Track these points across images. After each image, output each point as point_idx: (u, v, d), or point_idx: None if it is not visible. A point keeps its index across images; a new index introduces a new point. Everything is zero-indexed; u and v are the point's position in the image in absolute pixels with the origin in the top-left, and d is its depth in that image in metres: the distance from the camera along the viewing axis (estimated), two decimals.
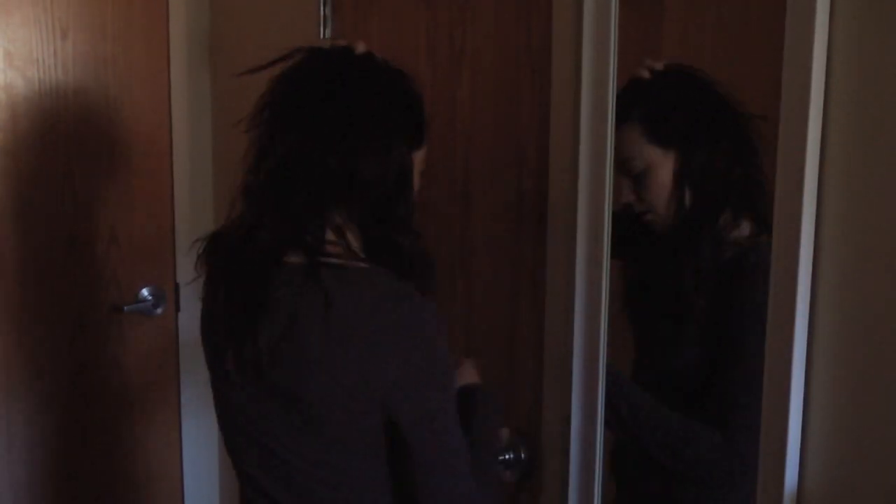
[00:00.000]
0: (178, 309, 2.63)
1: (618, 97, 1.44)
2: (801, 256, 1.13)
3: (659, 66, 1.46)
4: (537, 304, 1.66)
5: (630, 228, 1.49)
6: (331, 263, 1.27)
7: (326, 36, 2.08)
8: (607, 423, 1.50)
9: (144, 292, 2.57)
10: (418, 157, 1.37)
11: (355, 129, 1.29)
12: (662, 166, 1.43)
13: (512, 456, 1.65)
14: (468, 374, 1.49)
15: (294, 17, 2.22)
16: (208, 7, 2.55)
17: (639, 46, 1.50)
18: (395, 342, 1.24)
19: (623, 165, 1.45)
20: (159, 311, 2.59)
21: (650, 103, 1.45)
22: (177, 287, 2.62)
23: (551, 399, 1.63)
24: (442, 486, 1.28)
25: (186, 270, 2.61)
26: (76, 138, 2.42)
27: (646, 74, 1.46)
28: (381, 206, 1.30)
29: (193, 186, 2.59)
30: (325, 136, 1.28)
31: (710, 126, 1.44)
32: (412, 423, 1.26)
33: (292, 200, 1.29)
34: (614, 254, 1.49)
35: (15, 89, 2.33)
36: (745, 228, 1.42)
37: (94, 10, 2.40)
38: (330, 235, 1.30)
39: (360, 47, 1.39)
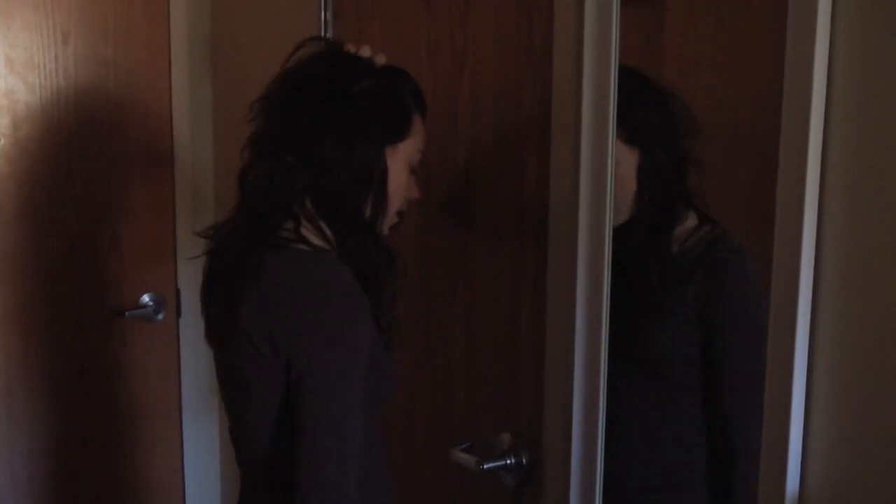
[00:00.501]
0: (179, 314, 2.62)
1: None
2: (803, 258, 1.13)
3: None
4: (538, 306, 1.65)
5: None
6: (273, 244, 1.35)
7: (329, 36, 2.08)
8: None
9: (145, 298, 2.57)
10: (403, 148, 1.42)
11: (317, 125, 1.36)
12: (626, 161, 1.47)
13: (513, 460, 1.64)
14: None
15: (295, 20, 2.22)
16: (209, 11, 2.55)
17: (640, 48, 1.50)
18: (294, 301, 1.31)
19: None
20: (160, 316, 2.59)
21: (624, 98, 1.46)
22: (178, 293, 2.61)
23: (552, 402, 1.62)
24: (306, 443, 1.28)
25: (187, 276, 2.61)
26: (77, 143, 2.42)
27: None
28: (340, 202, 1.38)
29: (195, 191, 2.59)
30: (290, 131, 1.38)
31: (666, 123, 1.47)
32: (297, 377, 1.29)
33: (260, 191, 1.40)
34: None
35: (16, 94, 2.33)
36: (692, 220, 1.47)
37: (94, 14, 2.41)
38: (288, 224, 1.38)
39: (364, 51, 1.46)
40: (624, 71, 1.44)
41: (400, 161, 1.42)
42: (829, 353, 1.14)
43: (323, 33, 2.08)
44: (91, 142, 2.44)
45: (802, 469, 1.18)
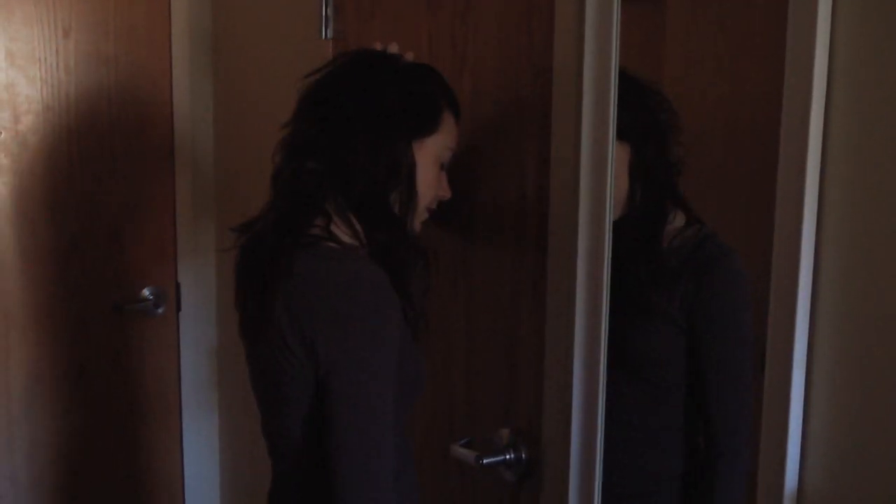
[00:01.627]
0: (179, 309, 2.63)
1: None
2: (803, 255, 1.13)
3: None
4: (538, 303, 1.66)
5: None
6: (304, 243, 1.37)
7: (328, 36, 2.08)
8: None
9: (146, 292, 2.57)
10: (432, 143, 1.45)
11: (348, 123, 1.38)
12: (618, 158, 1.47)
13: (513, 456, 1.65)
14: None
15: (296, 17, 2.22)
16: (210, 7, 2.55)
17: (641, 46, 1.50)
18: (324, 297, 1.32)
19: None
20: (160, 311, 2.59)
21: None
22: (178, 287, 2.62)
23: (552, 399, 1.63)
24: (338, 440, 1.29)
25: (188, 271, 2.62)
26: (78, 137, 2.42)
27: None
28: (370, 197, 1.39)
29: (195, 186, 2.59)
30: (322, 131, 1.40)
31: (655, 121, 1.49)
32: (327, 372, 1.30)
33: (291, 190, 1.41)
34: None
35: (17, 88, 2.33)
36: (679, 218, 1.48)
37: (96, 8, 2.41)
38: (320, 221, 1.39)
39: (392, 48, 1.51)
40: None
41: (428, 156, 1.44)
42: (828, 350, 1.15)
43: (324, 30, 2.08)
44: (91, 136, 2.44)
45: (801, 466, 1.18)
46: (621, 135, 1.46)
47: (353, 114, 1.39)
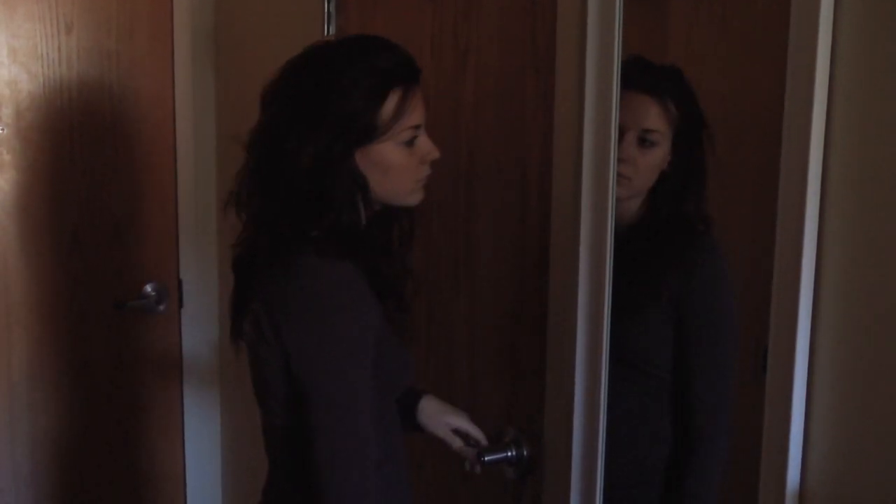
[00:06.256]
0: (181, 305, 2.63)
1: (647, 69, 1.48)
2: (805, 254, 1.13)
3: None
4: (539, 300, 1.66)
5: None
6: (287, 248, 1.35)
7: (330, 32, 2.08)
8: None
9: (147, 288, 2.57)
10: (381, 148, 1.35)
11: (279, 122, 1.36)
12: (663, 146, 1.49)
13: (514, 453, 1.65)
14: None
15: (298, 12, 2.22)
16: (212, 2, 2.55)
17: (644, 44, 1.50)
18: (291, 294, 1.32)
19: (632, 134, 1.48)
20: (162, 307, 2.59)
21: (683, 88, 1.47)
22: (180, 283, 2.62)
23: (554, 397, 1.63)
24: (312, 441, 1.31)
25: (190, 266, 2.62)
26: (80, 133, 2.42)
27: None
28: (327, 218, 1.35)
29: (197, 181, 2.59)
30: (262, 131, 1.39)
31: (699, 121, 1.48)
32: (296, 370, 1.32)
33: (264, 226, 1.39)
34: None
35: (19, 84, 2.33)
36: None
37: (98, 4, 2.41)
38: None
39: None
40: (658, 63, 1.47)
41: (382, 156, 1.35)
42: (830, 350, 1.15)
43: (326, 26, 2.08)
44: (93, 132, 2.44)
45: (803, 465, 1.19)
46: (660, 129, 1.48)
47: (285, 133, 1.34)
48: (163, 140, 2.54)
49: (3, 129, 2.32)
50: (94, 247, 2.48)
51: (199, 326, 2.64)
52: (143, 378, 2.62)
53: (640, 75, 1.47)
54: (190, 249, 2.61)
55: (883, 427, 1.11)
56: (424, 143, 1.38)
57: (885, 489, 1.11)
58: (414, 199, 1.42)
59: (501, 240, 1.77)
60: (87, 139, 2.43)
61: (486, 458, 1.62)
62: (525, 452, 1.65)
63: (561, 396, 1.59)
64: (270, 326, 1.33)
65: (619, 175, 1.47)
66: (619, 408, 1.54)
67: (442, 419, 1.62)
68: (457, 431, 1.62)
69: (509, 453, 1.65)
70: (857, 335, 1.12)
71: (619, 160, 1.47)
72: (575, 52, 1.49)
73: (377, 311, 1.37)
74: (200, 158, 2.59)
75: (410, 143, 1.36)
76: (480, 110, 1.78)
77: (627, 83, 1.46)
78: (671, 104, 1.48)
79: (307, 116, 1.33)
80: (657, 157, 1.49)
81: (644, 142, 1.48)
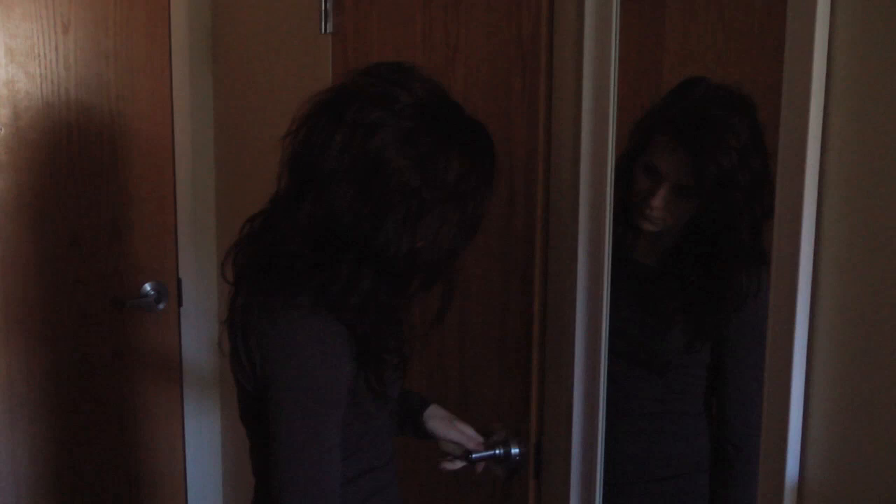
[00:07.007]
0: (180, 304, 2.63)
1: (704, 119, 1.41)
2: (802, 249, 1.13)
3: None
4: (528, 300, 1.65)
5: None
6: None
7: (328, 31, 2.08)
8: None
9: (147, 287, 2.57)
10: None
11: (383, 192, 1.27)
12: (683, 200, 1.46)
13: (501, 451, 1.65)
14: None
15: (295, 11, 2.22)
16: (210, 1, 2.55)
17: (641, 40, 1.50)
18: (273, 328, 1.30)
19: (668, 185, 1.45)
20: (161, 306, 2.59)
21: (743, 138, 1.40)
22: (179, 282, 2.62)
23: (553, 396, 1.63)
24: (269, 468, 1.30)
25: (189, 265, 2.62)
26: (77, 133, 2.42)
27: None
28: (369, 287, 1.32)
29: (195, 180, 2.59)
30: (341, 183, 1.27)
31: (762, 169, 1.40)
32: (265, 387, 1.31)
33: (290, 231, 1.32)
34: None
35: (17, 84, 2.33)
36: None
37: (95, 4, 2.41)
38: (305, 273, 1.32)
39: None
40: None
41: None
42: (828, 345, 1.15)
43: (323, 24, 2.08)
44: (92, 131, 2.44)
45: (802, 458, 1.19)
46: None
47: (400, 185, 1.23)
48: (161, 139, 2.54)
49: (0, 130, 2.32)
50: (92, 246, 2.48)
51: (199, 325, 2.65)
52: (143, 377, 2.62)
53: (689, 125, 1.41)
54: (189, 248, 2.61)
55: (881, 422, 1.11)
56: None
57: (883, 484, 1.11)
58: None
59: (489, 237, 1.77)
60: (86, 138, 2.43)
61: (473, 456, 1.62)
62: (513, 450, 1.65)
63: (561, 396, 1.60)
64: (247, 347, 1.33)
65: (651, 217, 1.45)
66: (645, 409, 1.56)
67: (452, 425, 1.61)
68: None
69: (497, 451, 1.64)
70: (855, 330, 1.13)
71: (651, 207, 1.44)
72: (572, 48, 1.49)
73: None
74: (198, 157, 2.59)
75: None
76: (469, 106, 1.78)
77: (669, 129, 1.42)
78: (721, 160, 1.38)
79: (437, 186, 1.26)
80: (694, 205, 1.44)
81: (682, 189, 1.44)
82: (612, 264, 1.47)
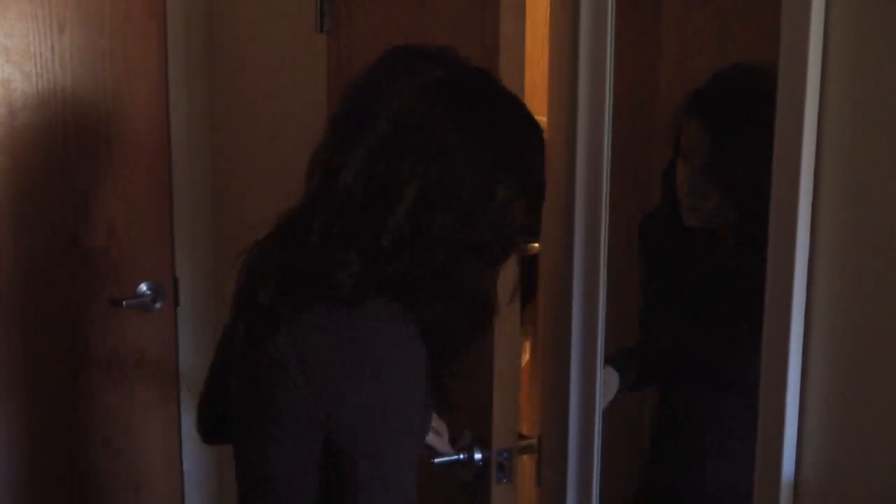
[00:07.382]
0: (177, 303, 2.63)
1: (723, 97, 1.41)
2: (798, 246, 1.14)
3: None
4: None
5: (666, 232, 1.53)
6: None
7: (325, 29, 2.08)
8: None
9: (143, 287, 2.57)
10: None
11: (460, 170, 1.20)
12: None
13: (465, 456, 1.64)
14: None
15: (291, 8, 2.22)
16: (206, 1, 2.55)
17: (637, 36, 1.50)
18: (341, 348, 1.20)
19: (692, 165, 1.44)
20: (158, 305, 2.59)
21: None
22: (176, 281, 2.62)
23: (550, 405, 1.63)
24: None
25: (185, 264, 2.62)
26: (74, 133, 2.42)
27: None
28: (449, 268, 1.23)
29: (192, 180, 2.59)
30: (404, 164, 1.20)
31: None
32: (342, 446, 1.22)
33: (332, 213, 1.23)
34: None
35: (12, 84, 2.33)
36: None
37: (91, 3, 2.40)
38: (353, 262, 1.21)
39: None
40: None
41: None
42: (824, 342, 1.15)
43: (318, 22, 2.08)
44: (88, 131, 2.44)
45: (798, 454, 1.19)
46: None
47: (480, 163, 1.17)
48: (157, 138, 2.54)
49: None
50: (89, 246, 2.47)
51: (196, 325, 2.64)
52: (140, 377, 2.61)
53: (710, 106, 1.40)
54: (185, 247, 2.61)
55: (877, 420, 1.11)
56: None
57: (879, 481, 1.11)
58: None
59: None
60: (82, 138, 2.43)
61: (435, 461, 1.62)
62: (477, 456, 1.64)
63: (556, 399, 1.60)
64: (306, 370, 1.20)
65: (687, 206, 1.44)
66: (712, 428, 1.57)
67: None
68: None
69: (461, 456, 1.64)
70: (850, 327, 1.13)
71: (680, 191, 1.43)
72: (568, 43, 1.49)
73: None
74: (195, 156, 2.59)
75: None
76: None
77: (693, 111, 1.41)
78: (734, 131, 1.38)
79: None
80: (722, 182, 1.43)
81: (706, 168, 1.42)
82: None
